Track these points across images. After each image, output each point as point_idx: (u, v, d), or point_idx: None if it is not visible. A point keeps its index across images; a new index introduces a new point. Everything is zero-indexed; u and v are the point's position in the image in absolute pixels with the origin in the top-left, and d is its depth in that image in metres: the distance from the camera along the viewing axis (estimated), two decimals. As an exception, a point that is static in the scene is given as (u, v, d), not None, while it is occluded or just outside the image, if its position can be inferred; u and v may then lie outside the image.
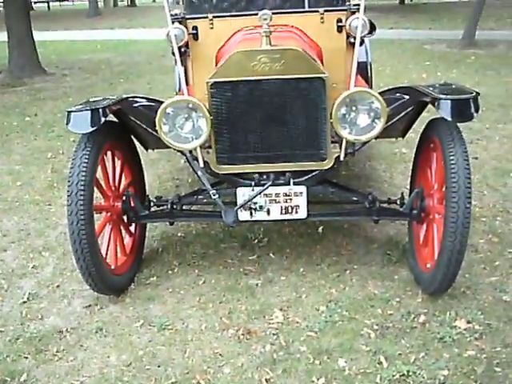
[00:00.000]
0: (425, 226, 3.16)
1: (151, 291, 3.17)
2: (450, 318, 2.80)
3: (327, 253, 3.51)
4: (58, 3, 43.72)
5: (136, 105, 3.12)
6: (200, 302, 3.04)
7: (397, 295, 3.04)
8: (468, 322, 2.76)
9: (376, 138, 2.95)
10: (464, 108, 2.75)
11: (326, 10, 3.39)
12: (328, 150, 2.92)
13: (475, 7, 13.49)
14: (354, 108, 2.79)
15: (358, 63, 4.55)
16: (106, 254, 3.07)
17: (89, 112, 2.80)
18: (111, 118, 3.01)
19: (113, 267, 3.09)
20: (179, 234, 3.85)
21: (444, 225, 2.74)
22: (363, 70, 5.04)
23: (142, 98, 3.21)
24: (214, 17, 3.44)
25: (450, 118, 2.70)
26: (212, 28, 3.43)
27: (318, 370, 2.47)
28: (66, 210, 2.82)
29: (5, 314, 3.04)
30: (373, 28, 4.16)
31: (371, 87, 5.08)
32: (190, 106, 2.79)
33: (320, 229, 3.78)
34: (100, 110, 2.81)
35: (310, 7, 4.20)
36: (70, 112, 2.83)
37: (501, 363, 2.48)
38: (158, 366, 2.55)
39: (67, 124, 2.84)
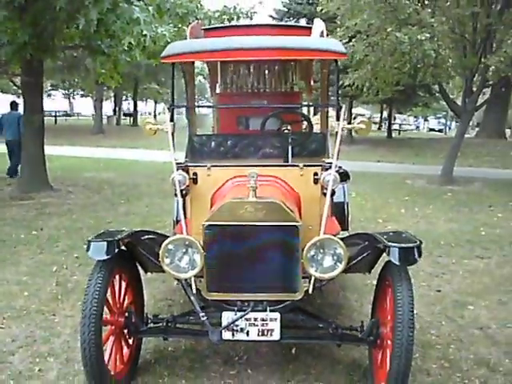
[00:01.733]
0: (381, 350, 3.71)
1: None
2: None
3: (298, 371, 4.00)
4: (63, 117, 46.05)
5: (143, 238, 3.78)
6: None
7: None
8: None
9: (346, 273, 3.60)
10: (409, 254, 3.41)
11: (305, 165, 4.14)
12: (299, 284, 3.51)
13: (452, 145, 14.68)
14: (321, 251, 3.41)
15: (336, 203, 5.37)
16: (108, 362, 3.57)
17: (105, 243, 3.46)
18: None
19: (112, 373, 3.58)
20: (170, 349, 4.34)
21: (391, 350, 3.31)
22: (340, 209, 5.77)
23: (148, 232, 3.88)
24: (212, 166, 4.18)
25: (397, 263, 3.35)
26: (209, 175, 4.14)
27: None
28: (79, 323, 3.38)
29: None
30: (347, 177, 4.92)
31: (347, 224, 5.79)
32: (187, 243, 3.44)
33: (293, 350, 4.30)
34: (115, 242, 3.46)
35: (293, 156, 4.99)
36: (90, 241, 3.48)
37: None
38: None
39: (87, 251, 3.47)
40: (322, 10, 13.64)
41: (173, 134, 4.10)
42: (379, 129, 40.75)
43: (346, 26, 12.17)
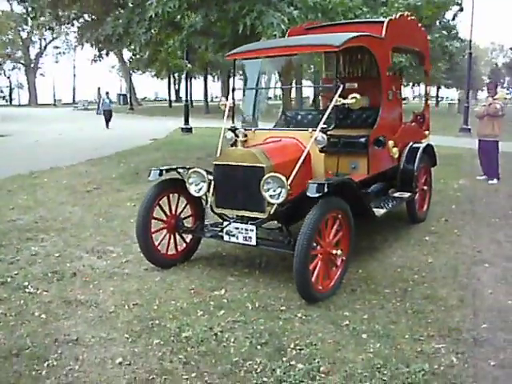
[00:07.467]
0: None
1: (177, 270, 5.87)
2: (297, 311, 4.82)
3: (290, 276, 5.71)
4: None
5: (182, 170, 5.91)
6: (191, 278, 5.61)
7: (287, 296, 5.14)
8: (303, 315, 4.75)
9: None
10: (319, 189, 4.80)
11: (313, 130, 5.72)
12: (265, 207, 5.23)
13: None
14: (273, 184, 5.08)
15: (404, 169, 6.89)
16: (159, 245, 5.84)
17: (158, 171, 5.74)
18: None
19: (163, 253, 5.86)
20: (224, 254, 6.46)
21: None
22: (408, 175, 7.05)
23: (185, 168, 5.95)
24: (256, 129, 6.11)
25: (310, 195, 4.85)
26: (255, 136, 6.08)
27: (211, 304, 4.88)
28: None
29: (99, 266, 6.03)
30: (382, 144, 6.34)
31: (413, 188, 7.03)
32: (201, 174, 5.52)
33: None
34: (163, 171, 5.71)
35: (348, 127, 6.46)
36: (150, 170, 5.79)
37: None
38: (148, 298, 5.21)
39: (148, 176, 5.78)
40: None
41: (232, 108, 6.15)
42: None
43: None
